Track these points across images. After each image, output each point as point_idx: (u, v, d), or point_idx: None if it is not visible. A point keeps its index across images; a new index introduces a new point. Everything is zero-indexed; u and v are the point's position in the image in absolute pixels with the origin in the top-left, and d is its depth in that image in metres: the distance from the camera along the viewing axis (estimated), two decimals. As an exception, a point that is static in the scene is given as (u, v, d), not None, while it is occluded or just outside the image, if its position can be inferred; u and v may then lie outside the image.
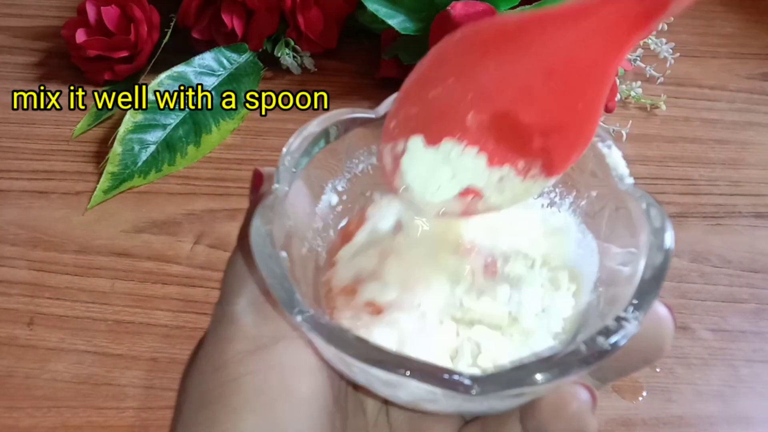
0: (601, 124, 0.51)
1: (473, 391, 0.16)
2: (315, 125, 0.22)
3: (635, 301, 0.18)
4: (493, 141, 0.21)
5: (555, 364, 0.17)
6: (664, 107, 0.55)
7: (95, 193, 0.47)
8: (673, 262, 0.47)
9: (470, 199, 0.22)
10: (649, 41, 0.53)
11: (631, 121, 0.53)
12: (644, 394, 0.38)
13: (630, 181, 0.21)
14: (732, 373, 0.39)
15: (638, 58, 0.50)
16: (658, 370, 0.39)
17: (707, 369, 0.39)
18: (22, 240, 0.44)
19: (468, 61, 0.20)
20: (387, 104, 0.22)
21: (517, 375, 0.17)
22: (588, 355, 0.17)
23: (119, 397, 0.37)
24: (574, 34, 0.18)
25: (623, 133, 0.52)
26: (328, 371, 0.21)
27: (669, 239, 0.19)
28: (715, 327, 0.41)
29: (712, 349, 0.40)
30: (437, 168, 0.21)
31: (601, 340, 0.17)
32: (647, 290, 0.18)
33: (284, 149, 0.22)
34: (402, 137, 0.22)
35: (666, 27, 0.51)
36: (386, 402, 0.23)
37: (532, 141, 0.20)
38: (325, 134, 0.22)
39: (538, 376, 0.17)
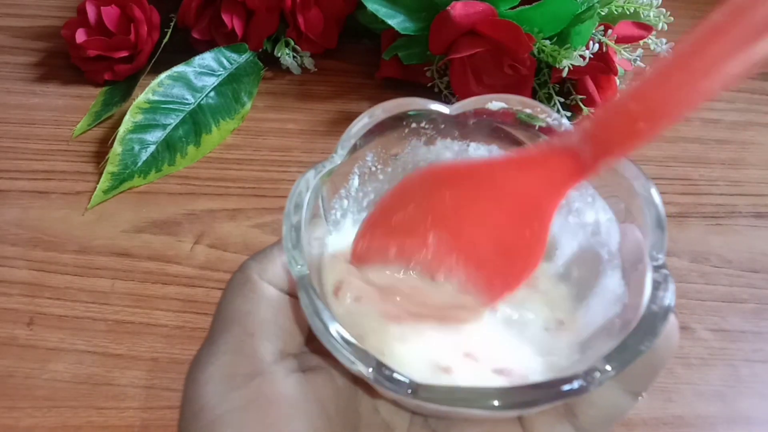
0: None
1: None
2: (385, 111, 0.23)
3: (614, 363, 0.18)
4: (453, 258, 0.23)
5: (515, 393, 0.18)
6: (664, 107, 0.55)
7: (95, 193, 0.47)
8: (673, 262, 0.47)
9: None
10: (649, 41, 0.53)
11: (631, 121, 0.53)
12: (644, 394, 0.38)
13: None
14: (732, 373, 0.39)
15: (638, 58, 0.50)
16: (661, 370, 0.39)
17: (707, 369, 0.39)
18: (22, 240, 0.44)
19: (427, 191, 0.23)
20: (461, 105, 0.24)
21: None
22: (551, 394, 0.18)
23: (119, 397, 0.37)
24: (519, 177, 0.21)
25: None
26: (315, 399, 0.21)
27: (669, 299, 0.19)
28: (715, 327, 0.41)
29: (712, 349, 0.40)
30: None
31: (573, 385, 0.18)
32: (631, 351, 0.18)
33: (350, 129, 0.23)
34: (369, 261, 0.24)
35: (666, 27, 0.50)
36: (414, 412, 0.23)
37: (486, 260, 0.23)
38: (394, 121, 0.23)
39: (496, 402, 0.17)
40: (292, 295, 0.22)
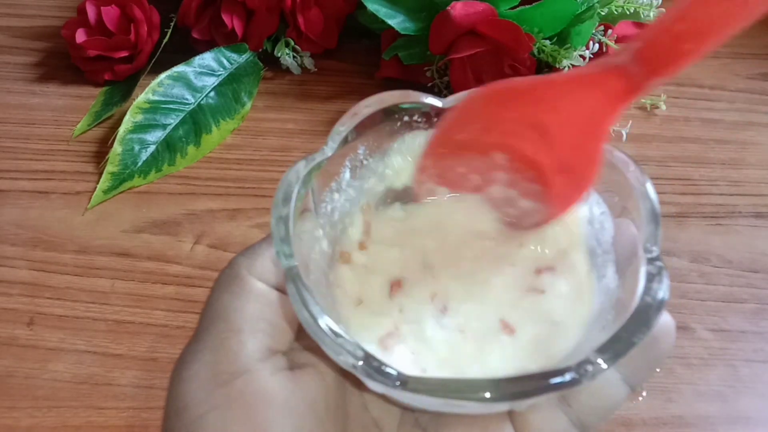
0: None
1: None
2: (377, 103, 0.23)
3: (607, 355, 0.18)
4: (514, 174, 0.24)
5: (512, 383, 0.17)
6: (664, 107, 0.55)
7: (95, 193, 0.47)
8: (673, 262, 0.47)
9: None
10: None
11: (631, 121, 0.53)
12: (644, 394, 0.38)
13: None
14: (732, 373, 0.39)
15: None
16: (657, 370, 0.39)
17: (707, 369, 0.39)
18: (22, 240, 0.44)
19: (490, 111, 0.23)
20: (455, 98, 0.24)
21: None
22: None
23: (119, 397, 0.37)
24: (574, 95, 0.22)
25: (623, 133, 0.52)
26: (303, 397, 0.20)
27: (663, 291, 0.19)
28: (715, 327, 0.41)
29: (712, 349, 0.40)
30: None
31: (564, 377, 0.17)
32: (624, 343, 0.18)
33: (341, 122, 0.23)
34: (433, 179, 0.24)
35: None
36: (404, 409, 0.23)
37: (547, 176, 0.23)
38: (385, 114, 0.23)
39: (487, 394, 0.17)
40: (282, 290, 0.22)
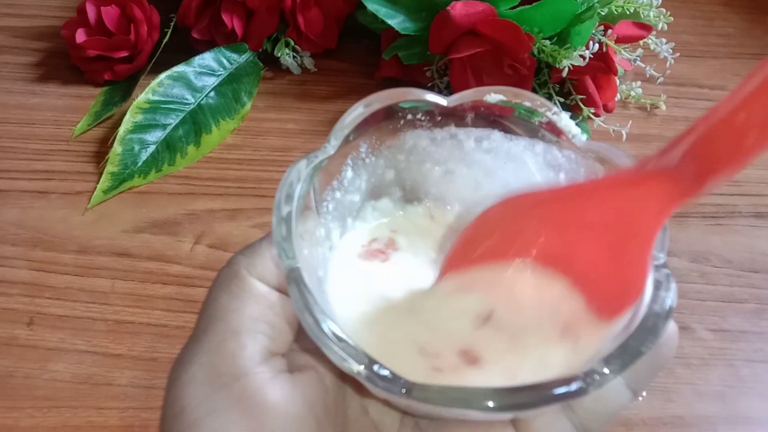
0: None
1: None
2: (380, 101, 0.22)
3: (615, 364, 0.17)
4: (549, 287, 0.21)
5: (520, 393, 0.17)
6: (664, 107, 0.55)
7: (95, 193, 0.47)
8: (673, 262, 0.47)
9: None
10: (649, 41, 0.53)
11: (631, 121, 0.53)
12: (644, 394, 0.38)
13: (583, 137, 0.22)
14: (732, 373, 0.39)
15: (638, 58, 0.50)
16: (661, 370, 0.39)
17: (707, 369, 0.39)
18: (22, 240, 0.44)
19: (510, 218, 0.22)
20: (459, 96, 0.23)
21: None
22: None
23: (119, 397, 0.37)
24: (613, 203, 0.20)
25: (623, 133, 0.52)
26: (302, 400, 0.20)
27: (671, 299, 0.19)
28: (715, 327, 0.41)
29: (712, 349, 0.40)
30: None
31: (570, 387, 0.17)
32: (631, 352, 0.18)
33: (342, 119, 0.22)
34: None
35: (666, 27, 0.50)
36: (404, 413, 0.23)
37: (585, 288, 0.21)
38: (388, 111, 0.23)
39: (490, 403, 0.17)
40: (282, 290, 0.21)
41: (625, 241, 0.20)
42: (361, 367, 0.17)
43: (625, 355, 0.18)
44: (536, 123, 0.23)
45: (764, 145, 0.16)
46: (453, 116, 0.24)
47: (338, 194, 0.24)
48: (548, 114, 0.23)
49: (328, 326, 0.18)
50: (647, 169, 0.19)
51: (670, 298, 0.19)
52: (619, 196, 0.20)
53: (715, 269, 0.44)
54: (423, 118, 0.24)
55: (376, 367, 0.17)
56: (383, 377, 0.17)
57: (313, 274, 0.21)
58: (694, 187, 0.18)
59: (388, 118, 0.23)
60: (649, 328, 0.18)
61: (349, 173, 0.24)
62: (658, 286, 0.19)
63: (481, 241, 0.22)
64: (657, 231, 0.19)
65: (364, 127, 0.23)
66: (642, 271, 0.20)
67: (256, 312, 0.21)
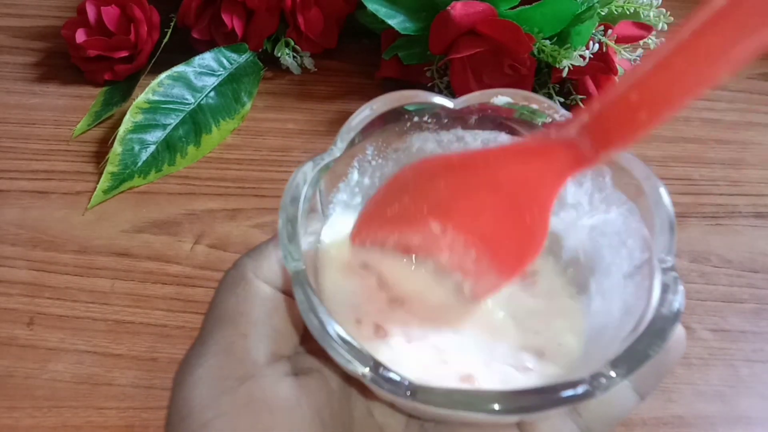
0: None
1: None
2: (386, 103, 0.23)
3: (622, 368, 0.17)
4: (446, 249, 0.23)
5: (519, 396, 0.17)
6: (664, 107, 0.55)
7: (95, 193, 0.47)
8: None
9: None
10: (649, 41, 0.53)
11: (631, 121, 0.53)
12: (644, 394, 0.38)
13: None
14: (732, 373, 0.39)
15: (638, 58, 0.50)
16: (667, 373, 0.39)
17: (707, 369, 0.39)
18: (22, 240, 0.44)
19: (422, 182, 0.22)
20: (466, 99, 0.23)
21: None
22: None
23: (119, 397, 0.37)
24: (516, 167, 0.21)
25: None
26: (308, 403, 0.20)
27: (678, 302, 0.19)
28: (715, 327, 0.41)
29: (712, 349, 0.40)
30: None
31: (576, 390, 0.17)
32: (638, 356, 0.18)
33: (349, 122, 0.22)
34: (368, 245, 0.24)
35: (666, 27, 0.50)
36: (410, 415, 0.23)
37: (483, 249, 0.22)
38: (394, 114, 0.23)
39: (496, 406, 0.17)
40: (288, 293, 0.21)
41: (527, 202, 0.21)
42: (366, 370, 0.17)
43: (632, 358, 0.17)
44: (539, 124, 0.23)
45: (654, 122, 0.18)
46: (459, 119, 0.24)
47: (344, 196, 0.24)
48: (554, 116, 0.23)
49: (333, 328, 0.18)
50: (550, 138, 0.20)
51: (677, 301, 0.18)
52: (523, 161, 0.21)
53: (715, 269, 0.44)
54: (429, 120, 0.24)
55: (381, 370, 0.17)
56: (388, 379, 0.17)
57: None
58: (591, 157, 0.19)
59: (395, 120, 0.23)
60: (657, 332, 0.18)
61: (356, 175, 0.24)
62: (665, 289, 0.19)
63: (391, 203, 0.23)
64: (555, 194, 0.21)
65: (370, 129, 0.23)
66: (541, 231, 0.21)
67: (262, 315, 0.21)
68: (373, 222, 0.23)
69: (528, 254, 0.21)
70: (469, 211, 0.22)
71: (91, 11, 0.53)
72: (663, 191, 0.21)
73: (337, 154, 0.22)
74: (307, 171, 0.21)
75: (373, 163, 0.24)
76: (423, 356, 0.21)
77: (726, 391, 0.38)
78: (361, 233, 0.23)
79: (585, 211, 0.24)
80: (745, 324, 0.41)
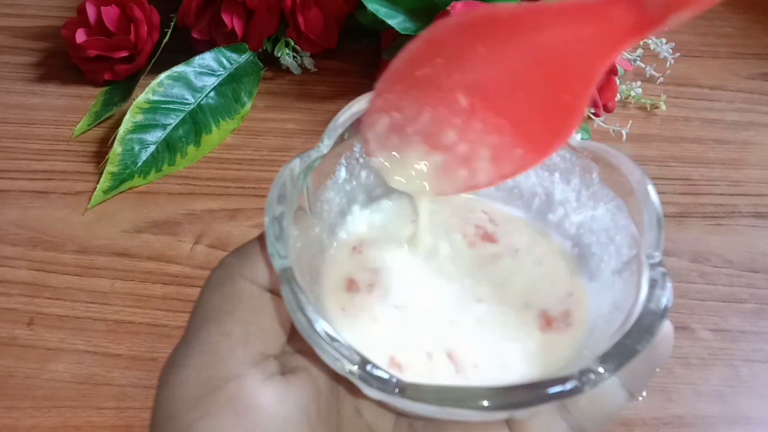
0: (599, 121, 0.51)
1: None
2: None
3: (610, 363, 0.17)
4: (477, 122, 0.21)
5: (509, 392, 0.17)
6: (664, 107, 0.55)
7: (95, 193, 0.47)
8: (673, 262, 0.47)
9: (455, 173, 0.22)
10: (649, 41, 0.53)
11: (631, 121, 0.53)
12: (644, 394, 0.38)
13: (578, 137, 0.22)
14: (732, 373, 0.39)
15: (638, 58, 0.50)
16: (657, 370, 0.39)
17: (707, 369, 0.39)
18: (22, 240, 0.44)
19: (459, 44, 0.20)
20: None
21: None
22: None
23: (119, 397, 0.37)
24: (568, 30, 0.19)
25: (623, 133, 0.52)
26: (295, 403, 0.20)
27: (666, 297, 0.19)
28: (715, 327, 0.41)
29: (712, 349, 0.40)
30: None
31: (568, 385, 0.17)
32: (627, 351, 0.18)
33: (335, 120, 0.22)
34: (387, 112, 0.22)
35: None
36: (398, 414, 0.22)
37: (517, 125, 0.20)
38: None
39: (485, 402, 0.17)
40: (275, 292, 0.21)
41: (571, 77, 0.19)
42: (354, 367, 0.17)
43: (620, 353, 0.17)
44: None
45: None
46: None
47: (332, 194, 0.24)
48: None
49: (321, 326, 0.18)
50: None
51: (665, 296, 0.18)
52: (579, 20, 0.18)
53: (715, 269, 0.44)
54: None
55: (369, 367, 0.17)
56: (376, 377, 0.17)
57: (305, 273, 0.21)
58: (658, 18, 0.17)
59: None
60: (645, 327, 0.18)
61: (343, 173, 0.24)
62: (653, 284, 0.19)
63: (422, 63, 0.21)
64: (606, 65, 0.19)
65: (358, 126, 0.22)
66: (578, 113, 0.19)
67: (248, 314, 0.20)
68: (400, 80, 0.22)
69: (558, 138, 0.20)
70: (504, 87, 0.20)
71: (91, 11, 0.53)
72: (650, 187, 0.21)
73: (324, 151, 0.22)
74: (294, 168, 0.21)
75: (361, 160, 0.24)
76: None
77: (726, 391, 0.38)
78: (385, 91, 0.22)
79: (573, 207, 0.24)
80: (745, 324, 0.41)
